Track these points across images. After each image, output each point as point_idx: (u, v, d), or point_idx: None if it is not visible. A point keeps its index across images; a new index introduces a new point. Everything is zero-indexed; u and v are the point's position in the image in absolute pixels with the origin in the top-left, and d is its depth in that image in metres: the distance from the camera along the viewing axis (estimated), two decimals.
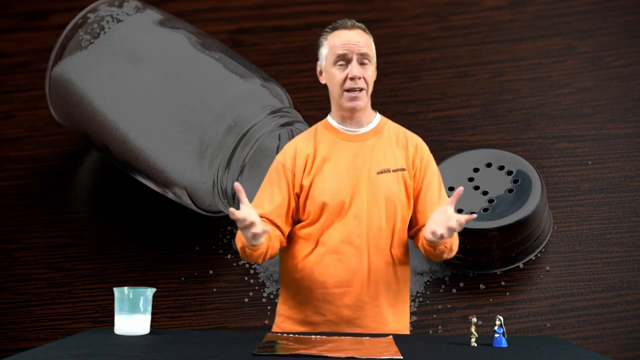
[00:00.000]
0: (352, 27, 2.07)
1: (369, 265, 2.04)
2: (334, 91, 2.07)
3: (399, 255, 2.07)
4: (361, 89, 2.03)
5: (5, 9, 3.08)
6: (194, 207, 2.48)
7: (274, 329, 2.13)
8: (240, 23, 3.02)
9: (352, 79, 2.03)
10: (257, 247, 1.98)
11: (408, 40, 2.95)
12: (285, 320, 2.10)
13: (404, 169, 2.07)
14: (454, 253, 2.06)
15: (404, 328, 2.11)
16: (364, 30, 2.08)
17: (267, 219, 2.06)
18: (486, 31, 2.94)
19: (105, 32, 2.55)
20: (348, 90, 2.03)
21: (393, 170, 2.06)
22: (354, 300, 2.04)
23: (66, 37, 2.58)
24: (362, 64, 2.04)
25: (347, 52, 2.03)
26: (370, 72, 2.06)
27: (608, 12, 2.92)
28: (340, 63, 2.04)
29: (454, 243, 2.05)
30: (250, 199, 2.25)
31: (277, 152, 2.24)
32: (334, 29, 2.07)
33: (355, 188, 2.04)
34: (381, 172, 2.06)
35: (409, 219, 2.09)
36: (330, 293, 2.04)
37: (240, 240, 2.02)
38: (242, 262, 2.61)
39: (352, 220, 2.03)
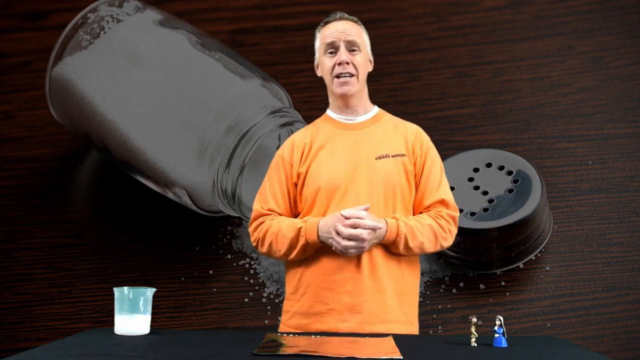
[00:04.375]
0: (341, 18, 2.15)
1: (368, 250, 2.04)
2: (326, 79, 2.14)
3: None
4: (351, 75, 2.10)
5: (5, 9, 3.08)
6: (194, 207, 2.48)
7: (281, 327, 2.13)
8: (240, 23, 3.02)
9: (340, 64, 2.10)
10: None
11: (408, 40, 2.95)
12: (292, 317, 2.10)
13: (403, 155, 2.09)
14: (416, 244, 2.04)
15: (410, 322, 2.09)
16: (354, 22, 2.16)
17: (274, 212, 2.10)
18: (486, 31, 2.94)
19: (105, 32, 2.55)
20: (338, 76, 2.10)
21: (392, 156, 2.09)
22: (355, 286, 2.04)
23: (66, 37, 2.58)
24: (351, 51, 2.11)
25: (335, 40, 2.12)
26: (359, 59, 2.11)
27: (608, 12, 2.92)
28: (330, 51, 2.12)
29: (409, 240, 2.03)
30: (251, 199, 2.26)
31: None
32: (326, 23, 2.16)
33: (353, 173, 2.06)
34: (380, 158, 2.08)
35: (411, 203, 2.10)
36: (331, 280, 2.05)
37: (307, 238, 2.03)
38: (242, 262, 2.61)
39: (350, 206, 2.04)
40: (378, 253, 2.05)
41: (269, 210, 2.10)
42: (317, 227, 2.02)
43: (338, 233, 1.99)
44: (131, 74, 2.47)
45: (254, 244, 2.12)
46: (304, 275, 2.08)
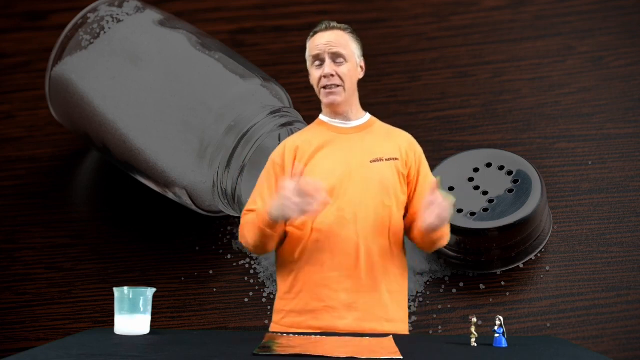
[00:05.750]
0: (327, 28, 2.16)
1: (366, 249, 2.06)
2: (315, 89, 2.17)
3: (396, 241, 2.10)
4: (337, 85, 2.12)
5: (5, 9, 3.08)
6: (194, 207, 2.48)
7: (273, 327, 2.14)
8: (240, 23, 3.02)
9: (325, 77, 2.12)
10: (279, 225, 2.04)
11: (408, 40, 2.95)
12: (286, 315, 2.11)
13: (396, 159, 2.12)
14: (446, 242, 2.13)
15: (403, 320, 2.12)
16: (343, 30, 2.16)
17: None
18: (486, 31, 2.94)
19: (105, 32, 2.55)
20: (324, 88, 2.13)
21: (386, 159, 2.12)
22: (351, 284, 2.06)
23: (66, 37, 2.58)
24: (336, 62, 2.13)
25: (320, 52, 2.14)
26: (345, 69, 2.13)
27: (608, 12, 2.92)
28: (316, 63, 2.15)
29: (448, 228, 2.11)
30: None
31: None
32: (314, 33, 2.18)
33: (348, 175, 2.09)
34: (374, 161, 2.11)
35: (404, 205, 2.13)
36: (327, 277, 2.06)
37: (261, 220, 2.04)
38: (242, 262, 2.61)
39: (345, 206, 2.07)
40: (374, 251, 2.07)
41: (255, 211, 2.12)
42: (270, 205, 2.03)
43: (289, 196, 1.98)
44: (131, 74, 2.47)
45: (240, 241, 2.15)
46: (299, 274, 2.09)
